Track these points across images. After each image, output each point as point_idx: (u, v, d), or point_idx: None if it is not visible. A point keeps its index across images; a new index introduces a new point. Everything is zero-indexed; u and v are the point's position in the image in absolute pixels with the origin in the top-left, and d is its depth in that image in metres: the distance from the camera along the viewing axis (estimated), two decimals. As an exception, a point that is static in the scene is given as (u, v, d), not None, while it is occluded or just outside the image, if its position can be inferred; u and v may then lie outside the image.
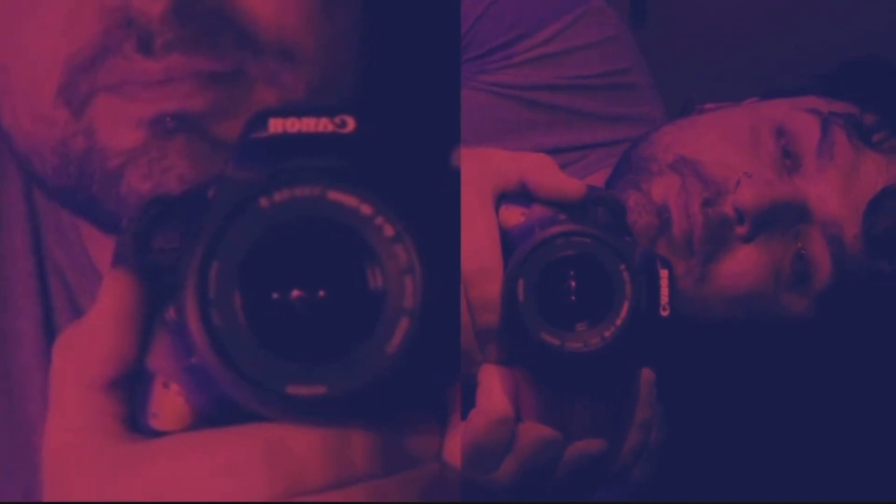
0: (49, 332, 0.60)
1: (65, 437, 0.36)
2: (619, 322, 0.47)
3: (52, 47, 0.49)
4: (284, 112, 0.36)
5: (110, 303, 0.37)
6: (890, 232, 0.71)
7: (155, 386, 0.36)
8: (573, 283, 0.48)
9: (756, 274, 0.71)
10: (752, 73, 1.23)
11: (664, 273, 0.49)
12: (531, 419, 0.50)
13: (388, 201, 0.34)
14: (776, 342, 0.73)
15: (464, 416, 0.48)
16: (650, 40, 1.07)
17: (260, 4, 0.49)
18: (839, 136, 0.72)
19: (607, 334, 0.47)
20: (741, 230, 0.70)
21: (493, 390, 0.50)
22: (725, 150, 0.73)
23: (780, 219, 0.70)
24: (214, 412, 0.35)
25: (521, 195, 0.52)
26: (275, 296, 0.34)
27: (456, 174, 0.39)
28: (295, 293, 0.34)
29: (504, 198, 0.52)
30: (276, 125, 0.36)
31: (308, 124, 0.36)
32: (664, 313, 0.49)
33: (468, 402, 0.50)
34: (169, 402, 0.36)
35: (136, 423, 0.36)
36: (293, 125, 0.36)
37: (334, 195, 0.34)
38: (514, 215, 0.51)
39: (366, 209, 0.34)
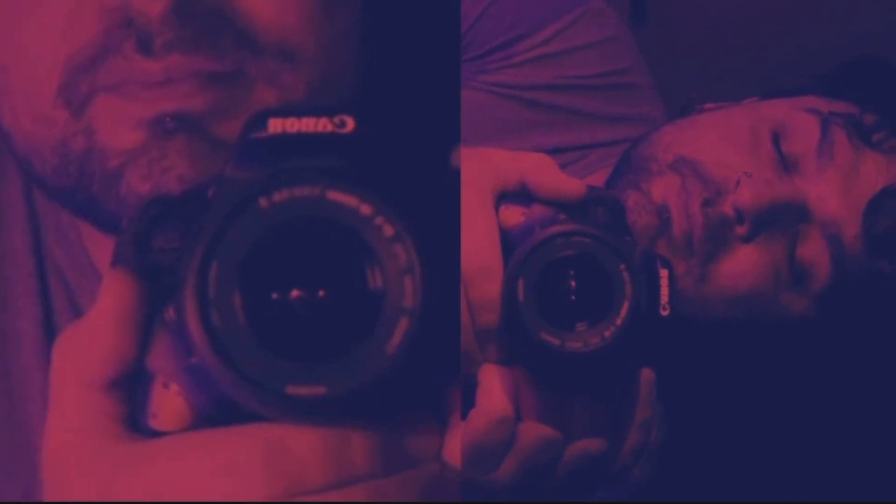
0: (49, 332, 0.60)
1: (65, 437, 0.36)
2: (619, 322, 0.47)
3: (52, 47, 0.49)
4: (284, 112, 0.36)
5: (110, 303, 0.37)
6: (890, 232, 0.71)
7: (155, 386, 0.36)
8: (573, 283, 0.48)
9: (756, 274, 0.71)
10: (752, 73, 1.23)
11: (664, 273, 0.49)
12: (531, 419, 0.50)
13: (388, 201, 0.34)
14: (776, 342, 0.73)
15: (464, 416, 0.48)
16: (650, 40, 1.07)
17: (260, 5, 0.49)
18: (839, 135, 0.72)
19: (607, 334, 0.47)
20: (741, 230, 0.70)
21: (493, 390, 0.50)
22: (725, 150, 0.72)
23: (780, 219, 0.70)
24: (214, 412, 0.35)
25: (521, 195, 0.52)
26: (274, 296, 0.34)
27: (456, 174, 0.39)
28: (295, 293, 0.34)
29: (504, 198, 0.52)
30: (275, 125, 0.36)
31: (307, 124, 0.36)
32: (664, 313, 0.49)
33: (468, 402, 0.50)
34: (169, 403, 0.36)
35: (135, 424, 0.36)
36: (293, 125, 0.36)
37: (334, 195, 0.34)
38: (514, 215, 0.51)
39: (365, 209, 0.34)
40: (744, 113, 0.76)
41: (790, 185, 0.71)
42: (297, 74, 0.50)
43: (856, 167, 0.71)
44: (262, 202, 0.34)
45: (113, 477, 0.35)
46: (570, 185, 0.52)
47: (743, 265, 0.71)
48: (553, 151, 0.76)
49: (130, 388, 0.36)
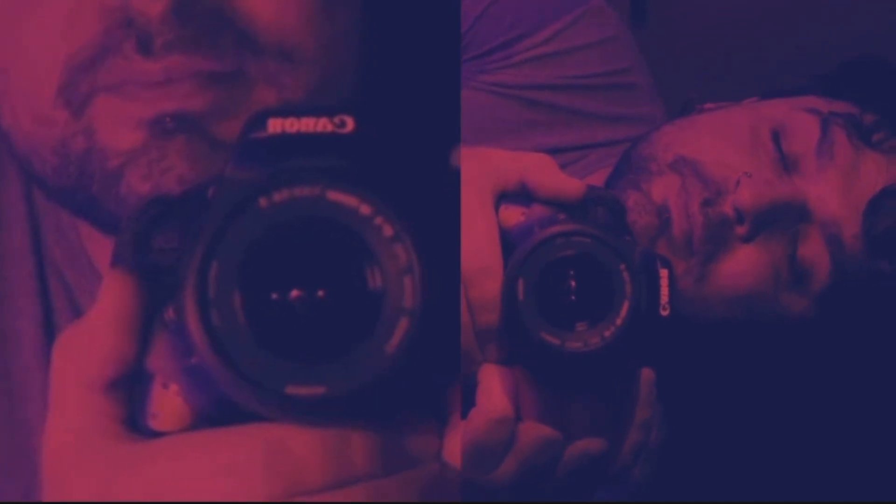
0: (49, 332, 0.60)
1: (64, 438, 0.36)
2: (619, 322, 0.47)
3: (52, 47, 0.49)
4: (284, 112, 0.36)
5: (110, 303, 0.37)
6: (889, 232, 0.71)
7: (154, 386, 0.36)
8: (573, 283, 0.48)
9: (756, 274, 0.71)
10: (752, 73, 1.23)
11: (664, 273, 0.49)
12: (531, 419, 0.50)
13: (388, 201, 0.34)
14: (776, 342, 0.73)
15: (464, 416, 0.48)
16: (650, 40, 1.07)
17: (260, 5, 0.49)
18: (839, 135, 0.72)
19: (607, 334, 0.47)
20: (741, 230, 0.70)
21: (493, 390, 0.50)
22: (725, 149, 0.72)
23: (780, 219, 0.70)
24: (214, 412, 0.35)
25: (520, 195, 0.52)
26: (274, 296, 0.34)
27: (456, 174, 0.39)
28: (294, 293, 0.34)
29: (504, 197, 0.52)
30: (275, 125, 0.36)
31: (307, 124, 0.36)
32: (664, 313, 0.49)
33: (468, 402, 0.50)
34: (168, 403, 0.36)
35: (135, 424, 0.36)
36: (292, 125, 0.36)
37: (334, 195, 0.34)
38: (514, 215, 0.51)
39: (365, 209, 0.34)
40: (744, 113, 0.76)
41: (790, 186, 0.71)
42: (296, 75, 0.50)
43: (856, 167, 0.71)
44: (262, 202, 0.34)
45: (113, 477, 0.35)
46: (569, 185, 0.52)
47: (743, 265, 0.71)
48: (553, 151, 0.75)
49: (130, 388, 0.36)
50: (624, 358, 0.49)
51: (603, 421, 0.51)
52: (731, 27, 1.36)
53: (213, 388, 0.34)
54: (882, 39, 1.08)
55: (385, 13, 0.55)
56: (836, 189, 0.71)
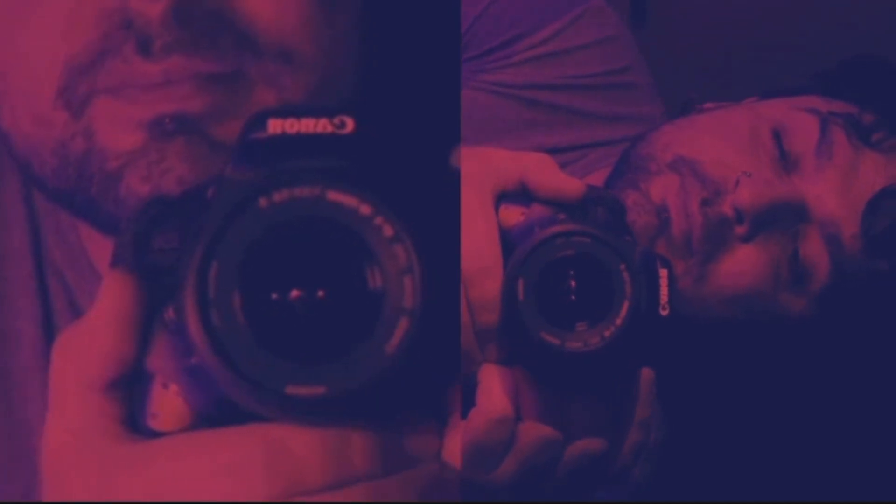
0: (48, 332, 0.60)
1: (64, 438, 0.36)
2: (619, 322, 0.47)
3: (52, 49, 0.49)
4: (283, 113, 0.36)
5: (109, 303, 0.37)
6: (888, 231, 0.71)
7: (154, 386, 0.36)
8: (573, 283, 0.48)
9: (755, 273, 0.71)
10: (751, 72, 1.23)
11: (664, 272, 0.49)
12: (531, 419, 0.50)
13: (388, 201, 0.34)
14: (775, 342, 0.73)
15: (464, 416, 0.48)
16: (650, 40, 1.07)
17: (259, 6, 0.49)
18: (838, 135, 0.72)
19: (607, 334, 0.47)
20: (740, 230, 0.70)
21: (493, 390, 0.50)
22: (724, 149, 0.73)
23: (779, 218, 0.70)
24: (214, 412, 0.35)
25: (520, 195, 0.52)
26: (274, 296, 0.34)
27: (456, 174, 0.39)
28: (294, 293, 0.34)
29: (504, 197, 0.52)
30: (275, 126, 0.36)
31: (307, 125, 0.36)
32: (664, 313, 0.49)
33: (468, 402, 0.50)
34: (168, 403, 0.36)
35: (135, 424, 0.36)
36: (292, 126, 0.36)
37: (333, 195, 0.34)
38: (514, 215, 0.51)
39: (365, 209, 0.34)
40: (743, 113, 0.76)
41: (789, 185, 0.71)
42: (296, 76, 0.50)
43: (855, 167, 0.71)
44: (262, 202, 0.34)
45: (112, 477, 0.35)
46: (569, 184, 0.52)
47: (742, 265, 0.71)
48: (553, 151, 0.76)
49: (130, 388, 0.36)
50: (624, 358, 0.49)
51: (603, 421, 0.51)
52: (731, 27, 1.36)
53: (213, 388, 0.34)
54: (882, 39, 1.08)
55: (385, 13, 0.55)
56: (835, 189, 0.71)
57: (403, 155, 0.36)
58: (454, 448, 0.36)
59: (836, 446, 0.79)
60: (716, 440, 0.79)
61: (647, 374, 0.51)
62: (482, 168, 0.52)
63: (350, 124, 0.36)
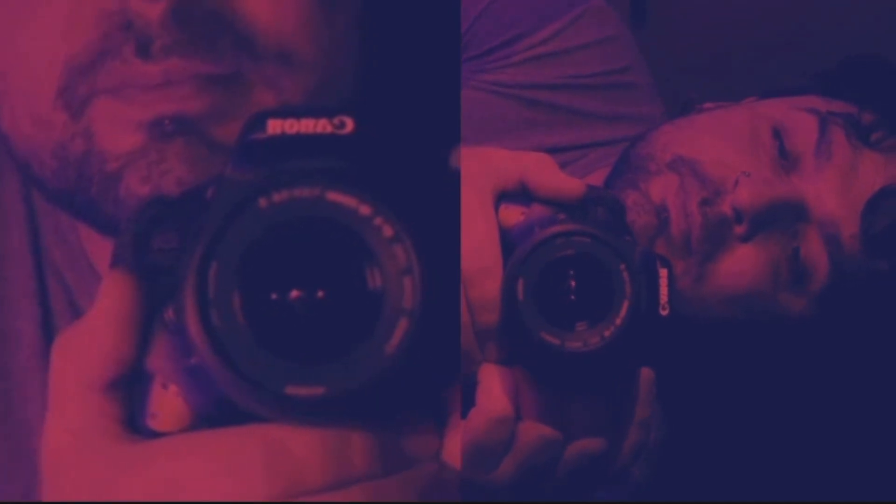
0: (48, 332, 0.60)
1: (64, 438, 0.36)
2: (618, 321, 0.47)
3: (52, 50, 0.49)
4: (283, 113, 0.36)
5: (109, 304, 0.37)
6: (888, 231, 0.71)
7: (154, 386, 0.36)
8: (573, 283, 0.48)
9: (754, 273, 0.71)
10: (751, 73, 1.23)
11: (664, 272, 0.49)
12: (531, 419, 0.50)
13: (387, 202, 0.34)
14: (775, 342, 0.73)
15: (464, 416, 0.48)
16: (650, 40, 1.07)
17: (258, 7, 0.49)
18: (837, 135, 0.72)
19: (607, 334, 0.47)
20: (739, 230, 0.70)
21: (493, 390, 0.50)
22: (724, 149, 0.73)
23: (779, 218, 0.70)
24: (213, 413, 0.35)
25: (520, 194, 0.52)
26: (274, 296, 0.34)
27: (456, 174, 0.39)
28: (294, 293, 0.34)
29: (504, 197, 0.52)
30: (274, 126, 0.36)
31: (307, 125, 0.36)
32: (664, 312, 0.49)
33: (468, 402, 0.50)
34: (168, 403, 0.36)
35: (135, 424, 0.36)
36: (292, 126, 0.36)
37: (333, 196, 0.34)
38: (514, 215, 0.51)
39: (365, 210, 0.34)
40: (742, 112, 0.76)
41: (789, 185, 0.71)
42: (295, 77, 0.50)
43: (854, 167, 0.71)
44: (262, 202, 0.34)
45: (112, 477, 0.35)
46: (569, 184, 0.52)
47: (741, 265, 0.71)
48: (553, 151, 0.76)
49: (130, 388, 0.36)
50: (624, 358, 0.49)
51: (603, 421, 0.51)
52: (731, 27, 1.36)
53: (212, 388, 0.34)
54: (882, 39, 1.08)
55: (384, 13, 0.55)
56: (834, 188, 0.71)
57: (403, 155, 0.36)
58: (454, 448, 0.36)
59: (836, 446, 0.79)
60: (715, 440, 0.79)
61: (646, 373, 0.51)
62: (482, 168, 0.52)
63: (350, 125, 0.36)
